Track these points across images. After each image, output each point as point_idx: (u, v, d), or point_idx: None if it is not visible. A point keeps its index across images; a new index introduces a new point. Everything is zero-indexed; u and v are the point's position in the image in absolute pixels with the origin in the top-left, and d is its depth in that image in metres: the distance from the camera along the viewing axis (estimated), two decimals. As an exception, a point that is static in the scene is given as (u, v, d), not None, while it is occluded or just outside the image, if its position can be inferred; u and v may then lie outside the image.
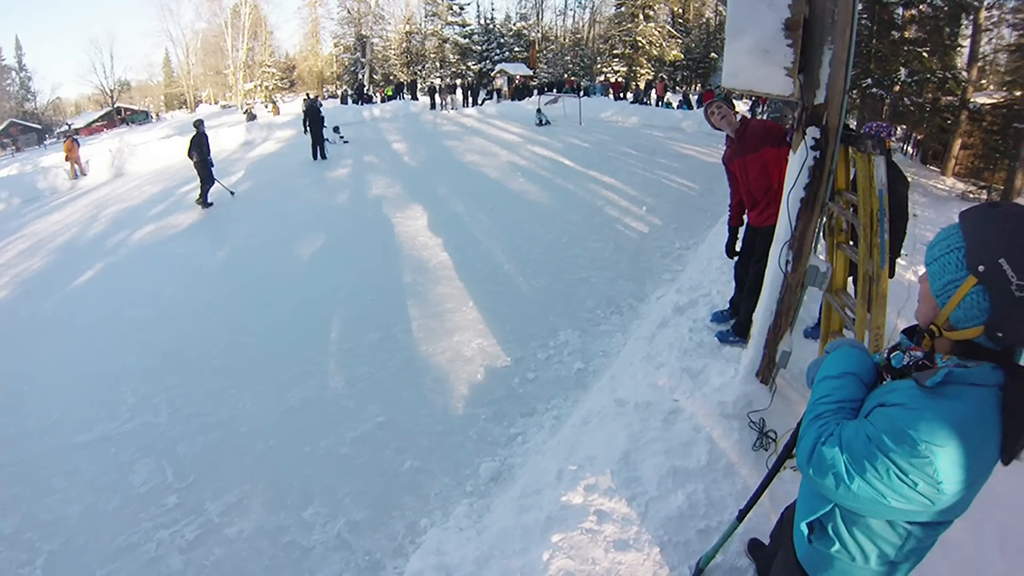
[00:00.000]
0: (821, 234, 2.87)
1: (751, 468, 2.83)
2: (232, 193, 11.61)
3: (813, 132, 2.56)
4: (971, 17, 13.32)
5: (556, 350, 4.76)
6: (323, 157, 13.96)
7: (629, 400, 3.44)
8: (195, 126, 11.29)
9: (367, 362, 4.79)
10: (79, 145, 17.28)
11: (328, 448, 3.84)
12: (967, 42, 13.93)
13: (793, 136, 2.80)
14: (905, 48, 12.16)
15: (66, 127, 35.28)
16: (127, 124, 41.03)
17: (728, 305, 4.33)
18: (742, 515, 2.00)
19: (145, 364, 5.14)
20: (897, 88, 12.04)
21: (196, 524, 3.37)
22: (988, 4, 13.68)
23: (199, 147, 10.87)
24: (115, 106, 44.07)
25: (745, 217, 4.08)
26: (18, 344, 5.95)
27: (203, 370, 4.93)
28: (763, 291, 3.04)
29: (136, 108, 46.16)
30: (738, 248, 4.22)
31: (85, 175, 16.34)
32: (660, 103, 26.21)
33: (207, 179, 10.91)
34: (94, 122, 41.77)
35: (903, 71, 11.93)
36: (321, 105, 15.12)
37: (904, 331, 1.26)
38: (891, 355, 1.23)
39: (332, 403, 4.32)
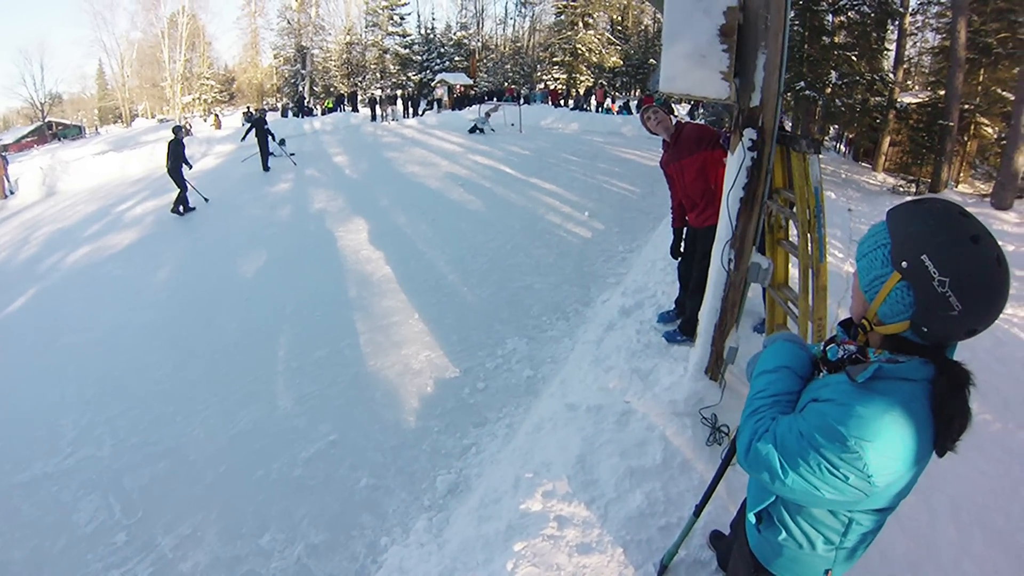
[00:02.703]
0: (761, 231, 2.91)
1: (707, 463, 2.84)
2: (207, 200, 11.13)
3: (750, 133, 2.59)
4: (896, 22, 13.93)
5: (504, 358, 4.68)
6: (266, 169, 13.36)
7: (580, 404, 3.39)
8: (173, 132, 10.79)
9: (315, 380, 4.60)
10: (7, 162, 15.89)
11: (281, 471, 3.66)
12: (893, 46, 14.56)
13: (730, 138, 2.83)
14: (835, 52, 12.56)
15: (-2, 145, 32.23)
16: (59, 139, 37.94)
17: (674, 305, 4.31)
18: (698, 510, 2.01)
19: (85, 394, 4.76)
20: (829, 90, 12.38)
21: (148, 561, 3.15)
22: (912, 10, 14.42)
23: (176, 154, 10.33)
24: (46, 120, 40.55)
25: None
26: None
27: (147, 396, 4.61)
28: (707, 289, 3.04)
29: (68, 122, 42.63)
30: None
31: (14, 194, 14.99)
32: (600, 109, 26.37)
33: (183, 187, 10.40)
34: (23, 137, 38.27)
35: (834, 74, 12.30)
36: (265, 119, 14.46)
37: (840, 323, 1.24)
38: (827, 348, 1.22)
39: (282, 423, 4.12)
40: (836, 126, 16.50)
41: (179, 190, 10.44)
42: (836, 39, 12.88)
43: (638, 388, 3.38)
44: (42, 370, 5.26)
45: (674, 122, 3.80)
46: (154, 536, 3.28)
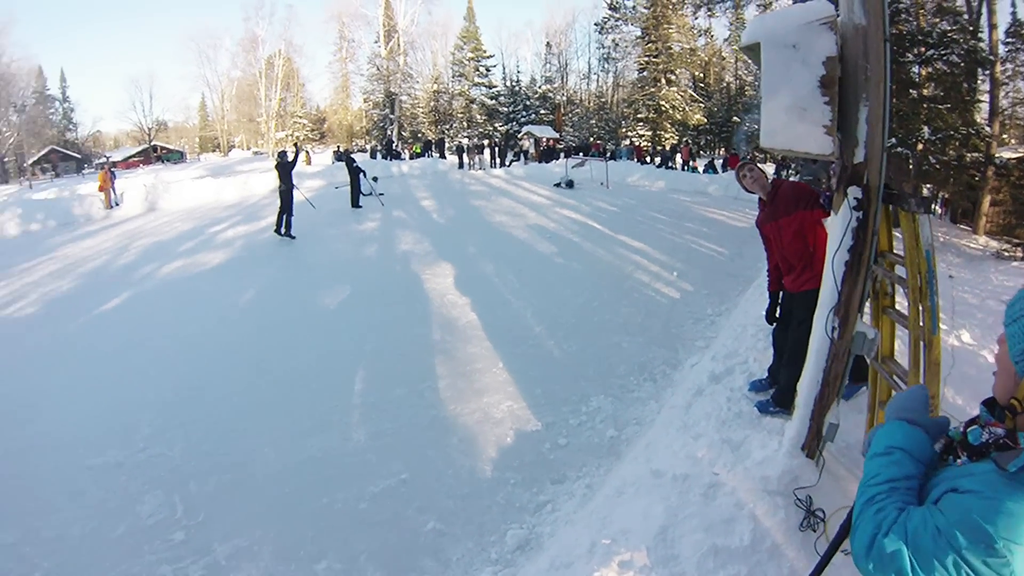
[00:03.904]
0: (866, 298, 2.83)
1: (798, 550, 2.69)
2: (314, 207, 12.36)
3: (855, 192, 2.57)
4: (987, 72, 13.45)
5: (588, 416, 4.70)
6: (355, 207, 14.42)
7: (666, 471, 3.33)
8: (279, 156, 11.95)
9: (392, 417, 4.76)
10: (115, 177, 18.11)
11: (346, 502, 3.77)
12: (986, 96, 14.02)
13: (830, 197, 2.82)
14: (925, 106, 12.21)
15: (104, 159, 37.00)
16: (162, 162, 43.06)
17: (767, 374, 4.25)
18: None
19: (163, 397, 5.17)
20: (921, 147, 11.97)
21: (201, 564, 3.29)
22: (1001, 57, 13.83)
23: (287, 174, 11.44)
24: (152, 144, 46.37)
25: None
26: (39, 363, 6.09)
27: (222, 409, 4.94)
28: (808, 359, 2.97)
29: (172, 147, 48.53)
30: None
31: (119, 206, 17.02)
32: (686, 167, 26.72)
33: (290, 211, 11.45)
34: (131, 157, 43.98)
35: (926, 129, 11.90)
36: (354, 158, 15.84)
37: (984, 403, 1.15)
38: (968, 430, 1.12)
39: (354, 456, 4.27)
40: (930, 185, 15.67)
41: (286, 213, 11.46)
42: (925, 91, 12.54)
43: (728, 460, 3.30)
44: (127, 369, 5.78)
45: (770, 180, 3.85)
46: (211, 542, 3.44)
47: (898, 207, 2.56)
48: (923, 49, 12.32)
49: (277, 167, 11.58)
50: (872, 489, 1.16)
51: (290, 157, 11.72)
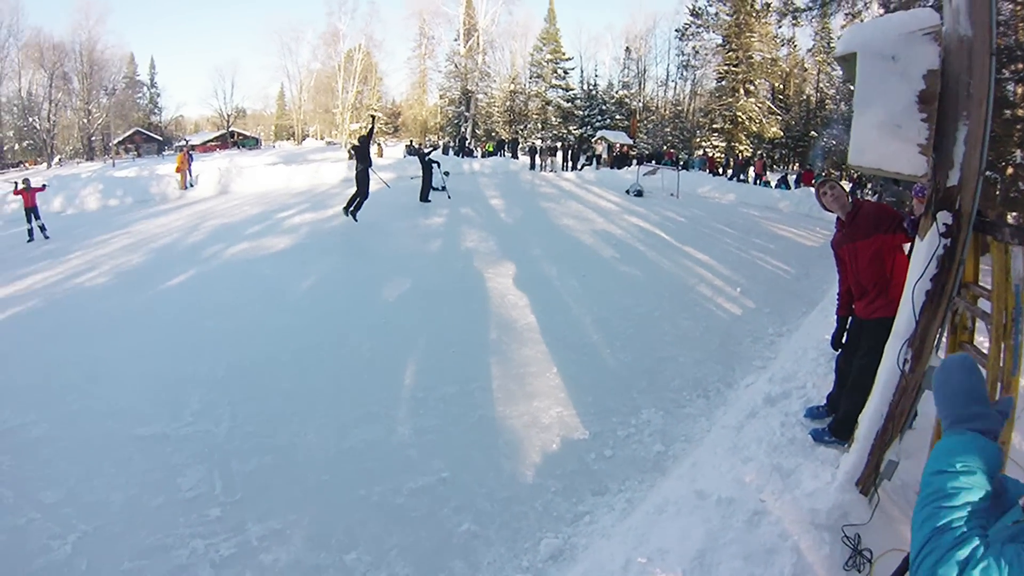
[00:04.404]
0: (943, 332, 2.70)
1: None
2: (388, 186, 12.82)
3: (944, 217, 2.43)
4: None
5: (636, 429, 4.63)
6: (424, 200, 14.72)
7: (711, 493, 3.24)
8: (359, 140, 12.42)
9: (439, 415, 4.79)
10: (192, 159, 19.27)
11: (383, 495, 3.80)
12: None
13: (916, 222, 2.69)
14: (1019, 127, 11.20)
15: (184, 142, 39.57)
16: (238, 147, 45.61)
17: (825, 401, 4.11)
18: None
19: (215, 374, 5.40)
20: (1011, 171, 10.96)
21: (233, 542, 3.40)
22: None
23: (363, 155, 11.86)
24: (229, 129, 49.19)
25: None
26: (103, 330, 6.51)
27: (270, 392, 5.10)
28: (874, 391, 2.86)
29: (248, 134, 51.23)
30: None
31: (193, 187, 18.09)
32: (758, 181, 26.07)
33: (365, 194, 11.91)
34: (209, 141, 46.83)
35: (1019, 152, 10.93)
36: (428, 152, 16.18)
37: None
38: None
39: (396, 450, 4.31)
40: (1015, 213, 14.22)
41: (360, 197, 11.85)
42: (1020, 112, 11.41)
43: (776, 487, 3.19)
44: (183, 344, 6.08)
45: (851, 200, 3.71)
46: (245, 521, 3.54)
47: (990, 236, 2.42)
48: (1020, 66, 11.36)
49: (354, 148, 11.97)
50: (946, 513, 1.04)
51: (366, 131, 12.00)
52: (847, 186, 21.95)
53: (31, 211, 11.69)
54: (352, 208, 11.96)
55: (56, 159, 37.22)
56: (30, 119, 37.46)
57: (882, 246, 3.49)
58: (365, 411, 4.83)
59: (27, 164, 36.24)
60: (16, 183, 12.46)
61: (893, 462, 2.79)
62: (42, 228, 11.74)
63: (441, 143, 41.65)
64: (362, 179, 11.87)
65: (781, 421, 4.07)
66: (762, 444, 3.78)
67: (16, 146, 38.10)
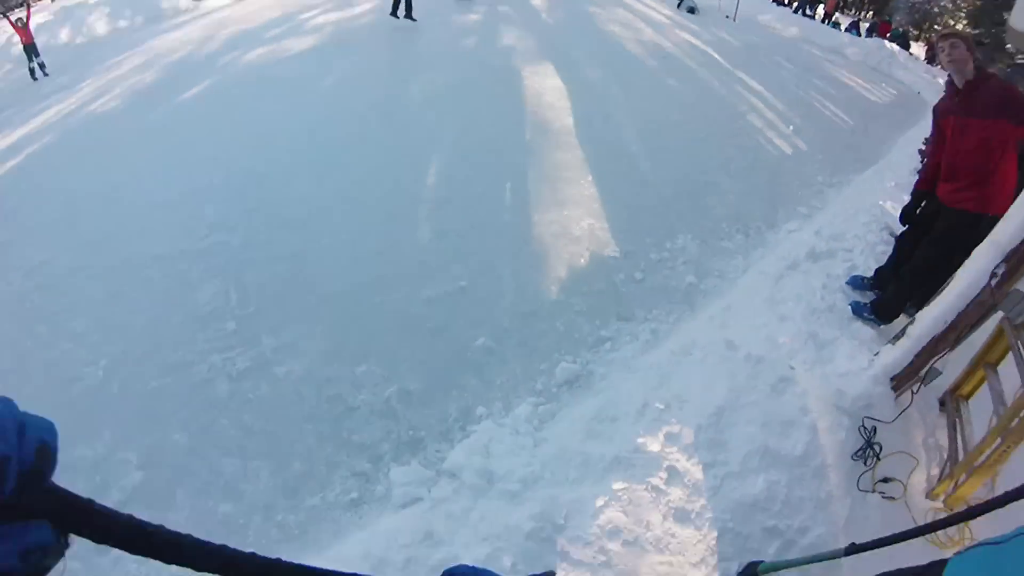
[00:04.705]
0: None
1: (842, 477, 2.53)
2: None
3: None
4: None
5: (670, 254, 4.29)
6: None
7: (741, 346, 3.07)
8: None
9: (462, 216, 4.50)
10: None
11: (398, 304, 3.65)
12: None
13: None
14: None
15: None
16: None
17: (873, 274, 3.77)
18: (853, 550, 1.70)
19: (231, 183, 5.16)
20: None
21: (249, 356, 3.37)
22: None
23: None
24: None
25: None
26: (119, 155, 6.24)
27: (287, 197, 4.87)
28: (945, 293, 2.63)
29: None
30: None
31: (208, -4, 16.77)
32: (827, 20, 23.09)
33: None
34: None
35: None
36: None
37: None
38: None
39: (414, 255, 4.10)
40: None
41: None
42: None
43: (808, 357, 3.05)
44: (199, 156, 5.78)
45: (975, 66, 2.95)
46: (259, 334, 3.48)
47: None
48: None
49: None
50: None
51: None
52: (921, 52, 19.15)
53: (29, 49, 11.02)
54: (404, 8, 10.88)
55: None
56: None
57: (997, 134, 2.89)
58: (384, 212, 4.60)
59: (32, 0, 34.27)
60: (12, 19, 11.67)
61: (936, 371, 2.65)
62: (41, 66, 11.12)
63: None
64: None
65: (823, 283, 3.83)
66: (800, 304, 3.62)
67: None
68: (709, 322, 3.49)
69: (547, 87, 7.31)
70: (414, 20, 10.85)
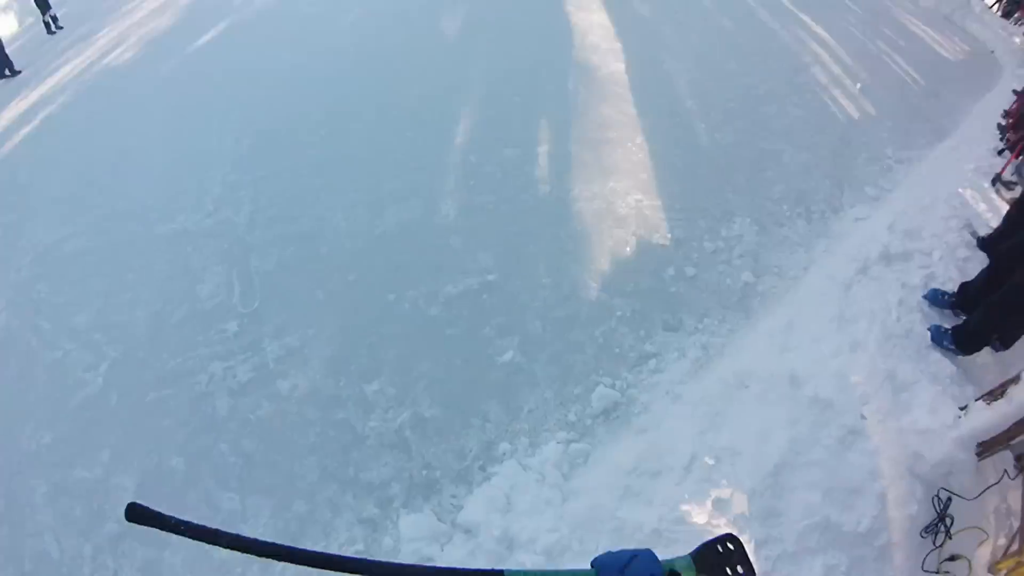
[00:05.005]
0: None
1: (907, 556, 2.16)
2: None
3: None
4: None
5: (726, 243, 3.72)
6: None
7: (806, 383, 2.59)
8: None
9: (493, 188, 4.00)
10: None
11: (416, 303, 3.26)
12: None
13: None
14: None
15: None
16: None
17: (958, 290, 3.15)
18: None
19: (240, 146, 4.79)
20: None
21: (251, 364, 3.07)
22: None
23: None
24: None
25: None
26: (132, 113, 5.92)
27: (298, 163, 4.46)
28: None
29: None
30: None
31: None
32: None
33: None
34: None
35: None
36: None
37: None
38: None
39: (436, 237, 3.67)
40: None
41: None
42: None
43: (883, 404, 2.56)
44: (209, 116, 5.37)
45: None
46: (262, 338, 3.17)
47: None
48: None
49: None
50: None
51: None
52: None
53: (40, 2, 10.41)
54: None
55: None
56: None
57: None
58: (405, 181, 4.13)
59: None
60: None
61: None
62: (54, 19, 10.57)
63: None
64: None
65: (899, 298, 3.24)
66: (874, 325, 3.03)
67: None
68: (768, 342, 2.98)
69: (593, 24, 6.52)
70: None
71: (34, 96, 7.20)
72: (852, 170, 4.93)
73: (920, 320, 3.09)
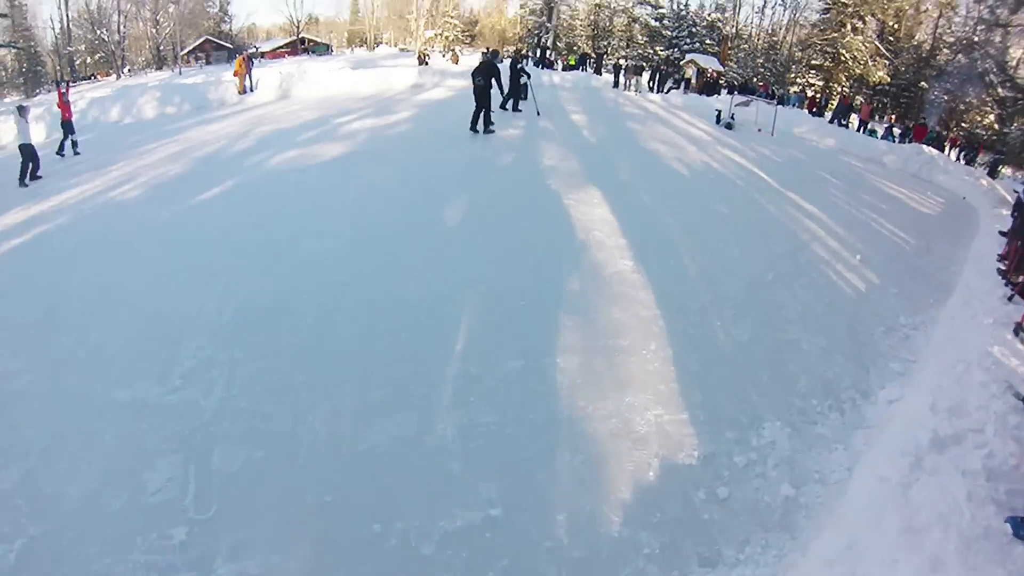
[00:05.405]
0: None
1: None
2: (538, 113, 12.48)
3: None
4: None
5: (758, 454, 3.38)
6: (509, 109, 13.10)
7: None
8: (489, 54, 11.66)
9: (496, 405, 3.57)
10: (252, 64, 18.18)
11: (405, 538, 2.71)
12: None
13: None
14: None
15: (253, 49, 38.78)
16: (308, 54, 44.56)
17: None
18: None
19: (220, 318, 4.40)
20: None
21: (192, 596, 2.41)
22: None
23: (486, 74, 10.57)
24: (299, 36, 48.17)
25: None
26: (119, 252, 5.70)
27: (280, 349, 4.02)
28: None
29: (319, 40, 50.04)
30: None
31: (253, 92, 17.12)
32: (863, 128, 23.18)
33: (486, 104, 10.78)
34: (279, 48, 46.06)
35: None
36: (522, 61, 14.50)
37: None
38: None
39: (431, 459, 3.18)
40: None
41: (484, 109, 10.64)
42: None
43: None
44: (196, 273, 5.08)
45: None
46: (214, 555, 2.59)
47: None
48: None
49: (481, 65, 10.59)
50: None
51: (499, 60, 10.68)
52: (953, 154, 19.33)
53: (67, 125, 10.85)
54: (483, 124, 10.79)
55: (127, 69, 37.27)
56: (99, 31, 37.27)
57: None
58: (397, 391, 3.67)
59: (99, 76, 36.49)
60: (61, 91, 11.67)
61: None
62: (74, 144, 10.89)
63: (513, 52, 39.85)
64: (482, 94, 10.52)
65: (966, 491, 2.90)
66: (949, 532, 2.67)
67: (88, 59, 38.10)
68: (828, 572, 2.52)
69: (595, 219, 6.57)
70: (492, 132, 10.88)
71: (33, 210, 7.18)
72: (872, 347, 4.82)
73: (994, 512, 2.78)
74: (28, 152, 8.82)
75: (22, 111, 9.39)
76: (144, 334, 4.21)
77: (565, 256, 5.62)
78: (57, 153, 10.52)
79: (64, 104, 11.06)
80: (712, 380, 3.94)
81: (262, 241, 5.78)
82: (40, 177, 8.86)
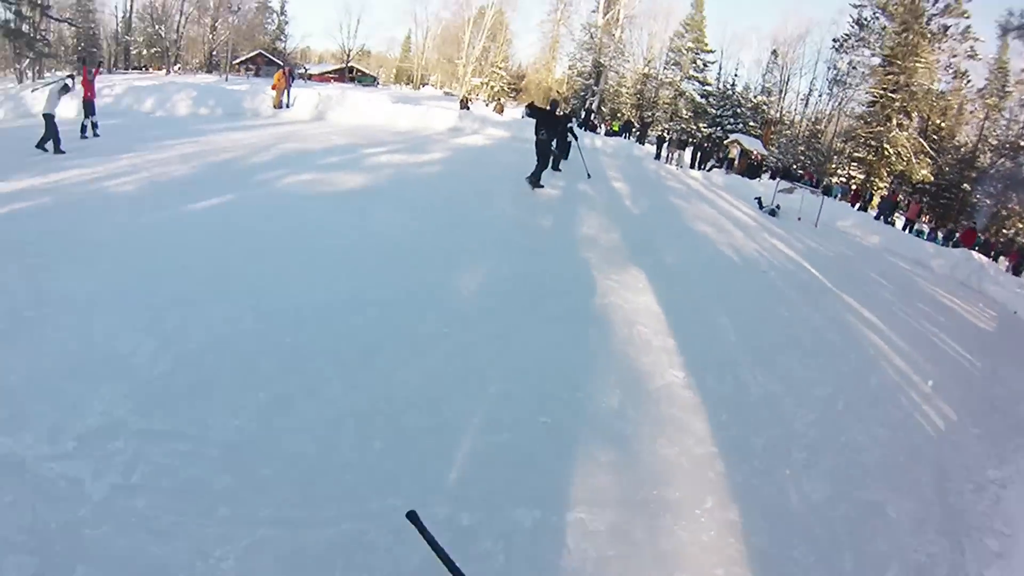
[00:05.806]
0: None
1: None
2: (589, 176, 12.38)
3: None
4: None
5: None
6: (556, 168, 12.61)
7: None
8: (550, 105, 11.44)
9: None
10: (292, 81, 18.07)
11: None
12: None
13: None
14: None
15: (302, 69, 39.49)
16: (355, 83, 45.37)
17: None
18: None
19: (152, 369, 3.44)
20: None
21: None
22: None
23: (548, 126, 10.33)
24: (348, 64, 49.21)
25: None
26: (83, 255, 4.98)
27: (211, 435, 2.97)
28: None
29: (367, 71, 51.05)
30: None
31: (288, 108, 16.85)
32: (910, 228, 22.28)
33: (544, 163, 10.56)
34: (327, 72, 47.09)
35: None
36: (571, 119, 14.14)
37: None
38: None
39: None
40: None
41: (542, 167, 10.34)
42: None
43: None
44: (147, 300, 4.21)
45: None
46: None
47: None
48: None
49: (541, 114, 10.40)
50: None
51: (559, 112, 10.67)
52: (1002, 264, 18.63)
53: (88, 104, 10.65)
54: (535, 178, 10.33)
55: (177, 67, 38.05)
56: (158, 27, 38.61)
57: None
58: (375, 538, 2.52)
59: (152, 69, 37.70)
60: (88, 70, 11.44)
61: None
62: (94, 125, 10.75)
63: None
64: (543, 148, 10.21)
65: None
66: None
67: (144, 51, 39.48)
68: None
69: (640, 308, 5.56)
70: (542, 187, 10.50)
71: (23, 183, 6.94)
72: (964, 514, 3.85)
73: None
74: (47, 121, 9.02)
75: (65, 88, 9.70)
76: (53, 368, 3.28)
77: (601, 357, 4.53)
78: (81, 136, 10.34)
79: (88, 83, 10.86)
80: (785, 562, 2.88)
81: (237, 276, 4.88)
82: (63, 152, 8.94)
